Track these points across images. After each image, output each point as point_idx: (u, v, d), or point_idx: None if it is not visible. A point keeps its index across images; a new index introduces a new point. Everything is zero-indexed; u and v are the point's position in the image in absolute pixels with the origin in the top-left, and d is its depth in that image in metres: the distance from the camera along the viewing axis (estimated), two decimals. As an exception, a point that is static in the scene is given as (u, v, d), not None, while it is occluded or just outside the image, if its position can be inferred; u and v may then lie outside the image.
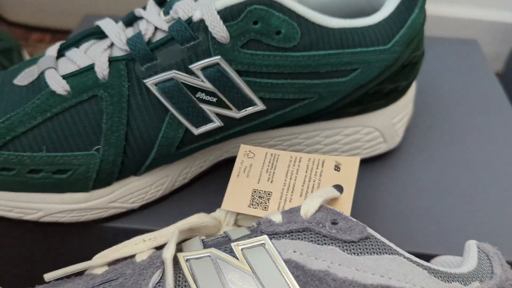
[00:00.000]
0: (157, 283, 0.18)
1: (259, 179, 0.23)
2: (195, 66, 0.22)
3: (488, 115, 0.35)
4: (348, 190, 0.22)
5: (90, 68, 0.23)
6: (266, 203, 0.22)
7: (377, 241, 0.19)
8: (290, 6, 0.22)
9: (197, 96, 0.23)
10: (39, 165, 0.23)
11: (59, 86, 0.23)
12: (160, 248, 0.20)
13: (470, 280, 0.19)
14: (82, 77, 0.23)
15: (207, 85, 0.23)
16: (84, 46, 0.25)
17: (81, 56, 0.24)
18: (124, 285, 0.19)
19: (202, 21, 0.22)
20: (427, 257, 0.24)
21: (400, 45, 0.25)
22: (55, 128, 0.23)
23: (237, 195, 0.22)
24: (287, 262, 0.18)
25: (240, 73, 0.23)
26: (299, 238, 0.19)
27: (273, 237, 0.19)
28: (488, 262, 0.20)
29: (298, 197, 0.22)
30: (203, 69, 0.23)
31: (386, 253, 0.19)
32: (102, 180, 0.24)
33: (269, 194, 0.23)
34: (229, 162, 0.30)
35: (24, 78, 0.24)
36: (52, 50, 0.25)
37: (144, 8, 0.26)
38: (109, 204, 0.26)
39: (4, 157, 0.23)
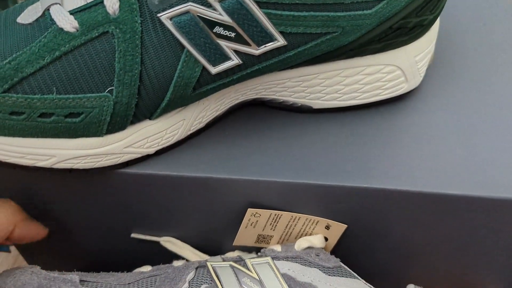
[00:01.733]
0: (192, 279, 0.26)
1: (263, 229, 0.29)
2: (213, -3, 0.21)
3: (509, 57, 0.33)
4: (331, 241, 0.29)
5: (100, 2, 0.22)
6: (268, 241, 0.30)
7: (345, 269, 0.28)
8: None
9: (214, 31, 0.22)
10: (50, 108, 0.22)
11: (66, 22, 0.21)
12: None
13: None
14: (91, 12, 0.22)
15: (225, 18, 0.21)
16: (92, -21, 0.23)
17: (88, -10, 0.22)
18: (167, 277, 0.26)
19: None
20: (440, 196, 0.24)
21: (429, -27, 0.23)
22: (65, 68, 0.22)
23: (245, 237, 0.29)
24: (283, 275, 0.26)
25: (260, 4, 0.21)
26: (292, 261, 0.27)
27: (274, 258, 0.27)
28: None
29: (294, 240, 0.29)
30: (221, 0, 0.21)
31: (350, 277, 0.27)
32: (116, 123, 0.23)
33: (271, 236, 0.29)
34: (245, 107, 0.29)
35: (28, 16, 0.23)
36: (56, -15, 0.24)
37: None
38: (124, 149, 0.25)
39: (12, 100, 0.22)
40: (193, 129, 0.27)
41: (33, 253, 0.34)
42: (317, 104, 0.29)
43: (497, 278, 0.32)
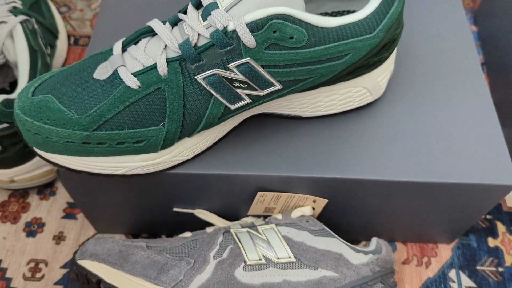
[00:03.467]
0: (221, 242, 0.38)
1: (268, 204, 0.40)
2: (232, 65, 0.31)
3: (456, 64, 0.43)
4: (317, 210, 0.42)
5: (154, 67, 0.31)
6: (272, 211, 0.42)
7: (327, 231, 0.39)
8: (300, 17, 0.30)
9: (233, 84, 0.32)
10: (123, 139, 0.33)
11: (132, 82, 0.32)
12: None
13: (370, 253, 0.39)
14: (148, 74, 0.32)
15: (240, 77, 0.31)
16: (142, 43, 0.33)
17: (143, 56, 0.32)
18: (204, 241, 0.38)
19: (235, 31, 0.30)
20: (395, 183, 0.35)
21: (382, 31, 0.33)
22: (133, 113, 0.32)
23: (256, 210, 0.41)
24: (284, 237, 0.38)
25: (264, 66, 0.31)
26: (289, 227, 0.38)
27: (277, 225, 0.39)
28: (380, 246, 0.40)
29: (290, 211, 0.41)
30: (237, 66, 0.31)
31: (331, 236, 0.39)
32: (167, 144, 0.34)
33: (274, 208, 0.41)
34: (252, 118, 0.39)
35: (101, 73, 0.33)
36: (117, 48, 0.33)
37: (185, 12, 0.33)
38: (172, 159, 0.36)
39: (99, 135, 0.32)
40: (218, 138, 0.38)
41: (97, 220, 0.46)
42: (306, 114, 0.39)
43: (444, 232, 0.45)
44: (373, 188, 0.38)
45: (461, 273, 0.45)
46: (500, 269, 0.45)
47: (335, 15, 0.39)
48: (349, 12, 0.39)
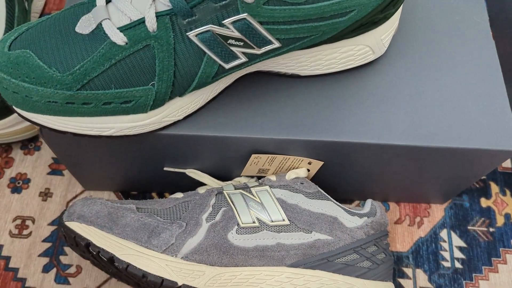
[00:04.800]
0: (214, 203, 0.37)
1: (263, 165, 0.39)
2: (227, 21, 0.28)
3: (462, 20, 0.41)
4: (312, 172, 0.40)
5: (142, 22, 0.29)
6: (266, 172, 0.40)
7: (322, 193, 0.38)
8: (302, -31, 0.27)
9: (228, 42, 0.29)
10: (110, 99, 0.31)
11: (118, 38, 0.29)
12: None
13: (365, 215, 0.38)
14: (136, 30, 0.29)
15: (236, 34, 0.29)
16: (128, -6, 0.30)
17: (130, 9, 0.29)
18: (196, 203, 0.37)
19: (231, -16, 0.27)
20: (390, 146, 0.34)
21: (390, -14, 0.30)
22: (119, 71, 0.30)
23: (249, 171, 0.40)
24: (278, 199, 0.37)
25: (262, 23, 0.29)
26: (283, 189, 0.37)
27: (271, 187, 0.37)
28: (375, 209, 0.39)
29: (285, 172, 0.40)
30: (233, 22, 0.28)
31: (325, 199, 0.38)
32: (157, 104, 0.32)
33: (268, 169, 0.40)
34: (248, 75, 0.37)
35: (84, 26, 0.30)
36: (101, -1, 0.30)
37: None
38: (162, 119, 0.34)
39: (84, 95, 0.30)
40: (210, 97, 0.35)
41: (84, 178, 0.44)
42: (304, 72, 0.37)
43: (438, 193, 0.44)
44: (370, 151, 0.37)
45: (452, 233, 0.45)
46: (491, 230, 0.46)
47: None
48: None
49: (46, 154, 0.48)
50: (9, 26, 0.44)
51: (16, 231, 0.44)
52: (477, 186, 0.48)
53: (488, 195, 0.47)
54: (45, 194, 0.46)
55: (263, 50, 0.31)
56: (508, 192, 0.48)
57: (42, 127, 0.32)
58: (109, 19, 0.30)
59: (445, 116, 0.37)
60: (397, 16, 0.36)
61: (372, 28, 0.34)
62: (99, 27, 0.30)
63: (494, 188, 0.48)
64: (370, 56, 0.37)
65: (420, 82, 0.38)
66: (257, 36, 0.29)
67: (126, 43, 0.29)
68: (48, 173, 0.47)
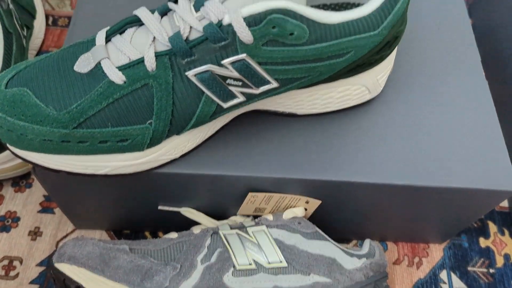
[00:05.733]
0: (209, 244, 0.36)
1: (259, 204, 0.38)
2: (226, 61, 0.28)
3: (456, 57, 0.42)
4: (309, 211, 0.40)
5: (141, 61, 0.29)
6: (263, 211, 0.40)
7: (320, 233, 0.37)
8: (301, 12, 0.27)
9: (227, 82, 0.29)
10: (106, 137, 0.30)
11: (116, 77, 0.29)
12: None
13: (364, 256, 0.38)
14: (135, 69, 0.29)
15: (235, 74, 0.29)
16: (128, 33, 0.30)
17: (129, 48, 0.29)
18: (191, 243, 0.36)
19: (230, 25, 0.27)
20: (398, 187, 0.33)
21: (387, 28, 0.31)
22: (117, 110, 0.30)
23: (246, 209, 0.39)
24: (275, 240, 0.36)
25: (260, 63, 0.29)
26: (281, 229, 0.37)
27: (268, 226, 0.37)
28: (373, 249, 0.39)
29: (282, 211, 0.39)
30: (232, 62, 0.28)
31: (324, 240, 0.37)
32: (154, 142, 0.32)
33: (265, 208, 0.39)
34: (246, 114, 0.37)
35: (83, 65, 0.30)
36: (101, 38, 0.30)
37: (176, 1, 0.30)
38: (159, 158, 0.33)
39: (80, 133, 0.30)
40: (207, 136, 0.35)
41: (76, 216, 0.43)
42: (301, 111, 0.37)
43: (437, 233, 0.44)
44: (368, 190, 0.36)
45: (452, 274, 0.45)
46: (491, 270, 0.45)
47: (334, 8, 0.37)
48: (348, 5, 0.37)
49: (37, 191, 0.48)
50: (7, 63, 0.44)
51: (2, 272, 0.43)
52: (475, 225, 0.47)
53: (486, 235, 0.47)
54: (35, 233, 0.45)
55: (261, 90, 0.31)
56: (506, 231, 0.47)
57: (35, 165, 0.31)
58: (108, 58, 0.30)
59: (442, 155, 0.36)
60: (392, 57, 0.36)
61: (368, 69, 0.34)
62: (98, 66, 0.30)
63: (492, 227, 0.47)
64: (367, 95, 0.37)
65: (416, 122, 0.38)
66: (255, 76, 0.30)
67: (125, 82, 0.29)
68: (39, 211, 0.46)
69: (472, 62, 0.41)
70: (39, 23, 0.56)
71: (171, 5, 0.30)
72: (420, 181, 0.35)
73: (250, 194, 0.37)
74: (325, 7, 0.37)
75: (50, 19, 0.59)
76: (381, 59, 0.34)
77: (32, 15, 0.55)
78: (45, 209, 0.47)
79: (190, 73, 0.29)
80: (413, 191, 0.36)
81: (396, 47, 0.37)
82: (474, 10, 0.63)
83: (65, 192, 0.38)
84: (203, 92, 0.30)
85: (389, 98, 0.39)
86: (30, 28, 0.53)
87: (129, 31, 0.30)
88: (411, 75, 0.41)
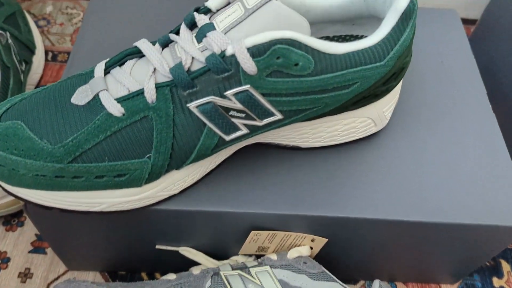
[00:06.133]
0: (209, 286, 0.34)
1: (262, 243, 0.36)
2: (229, 93, 0.27)
3: (461, 92, 0.41)
4: (315, 250, 0.37)
5: (140, 93, 0.28)
6: (266, 250, 0.37)
7: (327, 274, 0.35)
8: (306, 42, 0.27)
9: (229, 114, 0.28)
10: (103, 172, 0.29)
11: (115, 109, 0.28)
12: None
13: None
14: (134, 101, 0.28)
15: (238, 106, 0.28)
16: (128, 65, 0.29)
17: (128, 80, 0.28)
18: (190, 285, 0.34)
19: (233, 56, 0.27)
20: (402, 222, 0.32)
21: (393, 59, 0.30)
22: (114, 143, 0.28)
23: (248, 249, 0.37)
24: (280, 281, 0.34)
25: (264, 95, 0.28)
26: (286, 269, 0.35)
27: (272, 267, 0.35)
28: None
29: (286, 250, 0.37)
30: (235, 94, 0.28)
31: (331, 280, 0.35)
32: (152, 178, 0.30)
33: (268, 247, 0.37)
34: (248, 147, 0.36)
35: (80, 97, 0.29)
36: (100, 70, 0.30)
37: (177, 32, 0.30)
38: (157, 194, 0.32)
39: (75, 168, 0.28)
40: (208, 170, 0.34)
41: (69, 257, 0.41)
42: (305, 144, 0.36)
43: (448, 273, 0.42)
44: (376, 227, 0.35)
45: (465, 317, 0.42)
46: (506, 313, 0.43)
47: (337, 40, 0.37)
48: (351, 37, 0.36)
49: (29, 230, 0.45)
50: (3, 97, 0.43)
51: (-11, 317, 0.40)
52: (488, 264, 0.45)
53: (500, 274, 0.45)
54: (25, 275, 0.43)
55: (265, 122, 0.30)
56: (520, 270, 0.45)
57: (27, 202, 0.30)
58: (106, 90, 0.29)
59: (452, 190, 0.35)
60: (398, 89, 0.35)
61: (374, 101, 0.33)
62: (96, 98, 0.29)
63: (506, 266, 0.45)
64: (372, 128, 0.36)
65: (424, 155, 0.37)
66: (259, 108, 0.29)
67: (123, 114, 0.28)
68: (30, 251, 0.44)
69: (478, 95, 0.41)
70: (38, 59, 0.56)
71: (172, 36, 0.29)
72: (430, 218, 0.34)
73: (252, 232, 0.35)
74: (327, 39, 0.36)
75: (50, 54, 0.59)
76: (387, 91, 0.33)
77: (31, 50, 0.54)
78: (37, 249, 0.44)
79: (192, 105, 0.28)
80: (422, 228, 0.35)
81: (401, 82, 0.36)
82: (472, 45, 0.63)
83: (57, 231, 0.36)
84: (205, 125, 0.29)
85: (395, 131, 0.38)
86: (28, 63, 0.53)
87: (129, 63, 0.29)
88: (417, 108, 0.40)
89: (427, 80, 0.42)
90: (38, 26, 0.62)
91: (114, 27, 0.43)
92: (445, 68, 0.43)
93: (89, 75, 0.30)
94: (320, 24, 0.35)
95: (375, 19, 0.34)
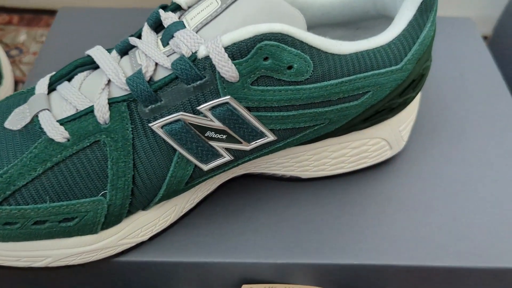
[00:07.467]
0: None
1: None
2: (204, 107, 0.21)
3: (488, 108, 0.35)
4: None
5: (90, 111, 0.22)
6: None
7: None
8: (302, 38, 0.21)
9: (206, 135, 0.22)
10: (43, 216, 0.22)
11: (57, 133, 0.21)
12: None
13: None
14: (82, 122, 0.22)
15: (217, 124, 0.22)
16: (77, 79, 0.23)
17: (76, 96, 0.22)
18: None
19: (208, 58, 0.20)
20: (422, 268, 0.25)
21: (411, 62, 0.24)
22: (57, 178, 0.22)
23: None
24: None
25: (250, 109, 0.22)
26: None
27: None
28: None
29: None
30: (212, 108, 0.21)
31: None
32: (111, 221, 0.24)
33: None
34: (236, 179, 0.29)
35: (16, 120, 0.23)
36: (42, 85, 0.23)
37: (139, 36, 0.24)
38: (119, 242, 0.25)
39: (6, 212, 0.22)
40: (185, 211, 0.27)
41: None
42: (305, 174, 0.29)
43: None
44: (397, 276, 0.28)
45: None
46: None
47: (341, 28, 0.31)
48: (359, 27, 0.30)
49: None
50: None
51: None
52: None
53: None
54: None
55: (253, 145, 0.23)
56: None
57: None
58: (48, 110, 0.22)
59: (489, 228, 0.28)
60: (417, 102, 0.29)
61: (389, 117, 0.27)
62: (34, 120, 0.22)
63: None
64: (387, 152, 0.30)
65: (450, 186, 0.30)
66: (244, 126, 0.22)
67: (68, 140, 0.22)
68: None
69: (508, 111, 0.35)
70: (6, 89, 0.50)
71: (132, 40, 0.23)
72: (458, 262, 0.27)
73: (244, 286, 0.28)
74: (326, 27, 0.30)
75: (20, 85, 0.53)
76: (405, 104, 0.27)
77: (-3, 81, 0.49)
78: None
79: (156, 125, 0.21)
80: (449, 274, 0.27)
81: (420, 96, 0.30)
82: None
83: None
84: (174, 150, 0.22)
85: (415, 156, 0.32)
86: (-7, 94, 0.47)
87: (79, 76, 0.23)
88: (438, 128, 0.33)
89: (446, 95, 0.36)
90: (10, 56, 0.57)
91: (80, 43, 0.37)
92: (466, 81, 0.37)
93: (31, 92, 0.24)
94: (318, 28, 0.29)
95: (384, 20, 0.28)
